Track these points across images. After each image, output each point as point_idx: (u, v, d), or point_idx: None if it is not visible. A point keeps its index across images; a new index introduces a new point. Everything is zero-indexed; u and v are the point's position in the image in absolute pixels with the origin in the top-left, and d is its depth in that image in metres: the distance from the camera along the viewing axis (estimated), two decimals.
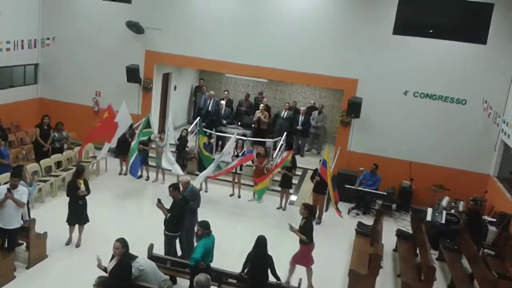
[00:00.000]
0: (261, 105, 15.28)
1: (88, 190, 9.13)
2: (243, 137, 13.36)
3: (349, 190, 12.21)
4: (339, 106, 14.35)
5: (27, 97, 15.00)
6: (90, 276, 6.06)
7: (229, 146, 12.08)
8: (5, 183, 8.88)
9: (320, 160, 11.31)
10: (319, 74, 13.52)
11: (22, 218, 8.44)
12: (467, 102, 12.61)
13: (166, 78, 15.95)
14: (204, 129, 13.53)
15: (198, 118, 14.48)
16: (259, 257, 7.31)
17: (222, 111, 15.33)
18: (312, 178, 11.59)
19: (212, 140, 13.56)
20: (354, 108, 13.07)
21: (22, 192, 8.06)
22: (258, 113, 14.94)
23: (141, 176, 13.22)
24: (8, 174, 9.55)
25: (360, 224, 10.77)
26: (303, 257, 8.43)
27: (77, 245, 9.21)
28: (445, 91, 12.75)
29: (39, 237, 8.60)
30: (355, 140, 13.54)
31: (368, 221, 11.23)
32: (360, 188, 12.22)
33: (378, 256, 8.66)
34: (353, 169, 13.02)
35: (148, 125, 12.70)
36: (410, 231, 10.81)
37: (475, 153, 12.62)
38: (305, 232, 8.39)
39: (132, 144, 12.30)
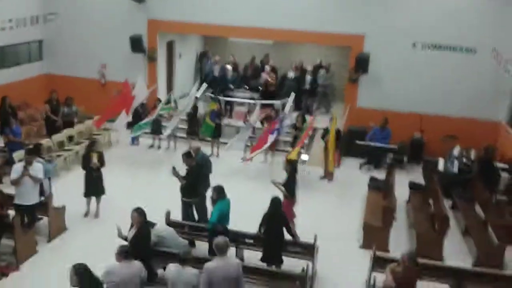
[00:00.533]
0: (267, 67, 15.14)
1: (102, 162, 9.28)
2: (254, 101, 13.29)
3: (360, 146, 12.22)
4: (347, 63, 14.16)
5: (34, 74, 15.01)
6: (111, 245, 6.22)
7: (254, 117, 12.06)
8: (19, 161, 9.07)
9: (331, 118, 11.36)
10: (324, 32, 13.28)
11: (43, 194, 8.66)
12: (477, 51, 12.37)
13: (170, 46, 15.82)
14: (212, 96, 13.53)
15: (205, 84, 14.43)
16: (274, 217, 7.45)
17: (229, 76, 15.24)
18: (323, 137, 11.61)
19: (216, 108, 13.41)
20: (361, 64, 12.92)
21: (37, 168, 8.21)
22: (264, 75, 14.83)
23: (152, 146, 13.37)
24: (22, 152, 9.71)
25: (372, 179, 10.85)
26: (286, 211, 8.56)
27: (96, 216, 9.45)
28: (453, 40, 12.48)
29: (58, 211, 8.82)
30: (364, 96, 13.43)
31: (381, 175, 11.29)
32: (371, 143, 12.22)
33: (391, 209, 8.78)
34: (363, 124, 12.98)
35: (168, 101, 13.03)
36: (423, 183, 10.86)
37: (486, 101, 12.47)
38: (288, 187, 8.53)
39: (145, 120, 12.37)
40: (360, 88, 13.48)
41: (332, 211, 10.18)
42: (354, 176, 11.72)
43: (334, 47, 16.16)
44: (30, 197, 8.11)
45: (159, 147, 13.37)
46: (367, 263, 7.54)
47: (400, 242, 8.76)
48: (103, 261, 5.84)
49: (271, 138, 11.52)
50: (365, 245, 8.60)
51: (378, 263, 7.30)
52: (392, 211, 8.76)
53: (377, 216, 8.93)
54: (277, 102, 14.11)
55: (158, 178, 11.01)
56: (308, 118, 12.30)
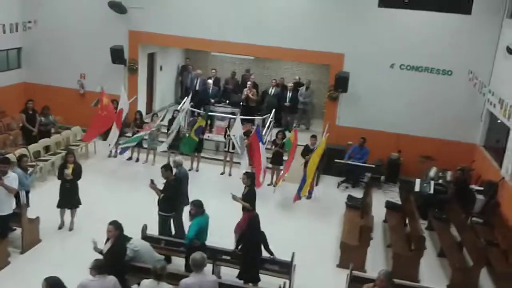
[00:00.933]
0: (249, 83, 15.22)
1: (78, 174, 9.11)
2: (235, 116, 13.28)
3: (339, 164, 12.33)
4: (327, 81, 14.36)
5: (12, 82, 14.75)
6: (85, 259, 6.09)
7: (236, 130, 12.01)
8: None
9: (313, 136, 11.65)
10: (305, 50, 13.45)
11: (19, 205, 8.46)
12: (453, 73, 12.70)
13: (151, 58, 15.78)
14: (201, 112, 13.44)
15: (186, 97, 14.37)
16: (253, 234, 7.41)
17: (210, 90, 15.24)
18: (303, 154, 11.67)
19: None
20: (341, 82, 13.09)
21: (12, 178, 8.02)
22: (246, 91, 14.90)
23: (130, 158, 13.22)
24: None
25: (350, 197, 10.94)
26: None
27: (70, 229, 9.25)
28: (430, 62, 12.81)
29: (32, 222, 8.62)
30: (343, 115, 13.61)
31: (358, 194, 11.40)
32: (349, 162, 12.34)
33: (368, 228, 8.84)
34: (342, 143, 13.13)
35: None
36: (399, 202, 10.99)
37: (462, 123, 12.77)
38: (248, 200, 8.54)
39: (141, 133, 12.36)
40: (340, 107, 13.66)
41: (310, 229, 10.19)
42: (332, 194, 11.78)
43: (315, 65, 16.39)
44: (4, 207, 7.90)
45: (137, 159, 13.22)
46: (343, 282, 7.54)
47: (377, 262, 8.82)
48: (77, 274, 5.69)
49: (262, 148, 11.43)
50: (342, 264, 8.62)
51: (355, 283, 7.30)
52: (369, 230, 8.82)
53: (354, 235, 8.98)
54: (257, 118, 14.16)
55: (135, 191, 10.87)
56: (290, 133, 12.22)
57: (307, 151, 11.60)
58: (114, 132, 12.13)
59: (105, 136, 12.67)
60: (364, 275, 7.72)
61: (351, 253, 8.56)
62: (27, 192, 8.91)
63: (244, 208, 8.55)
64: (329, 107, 13.89)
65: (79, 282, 5.58)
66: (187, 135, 12.51)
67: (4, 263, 7.93)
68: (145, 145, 13.06)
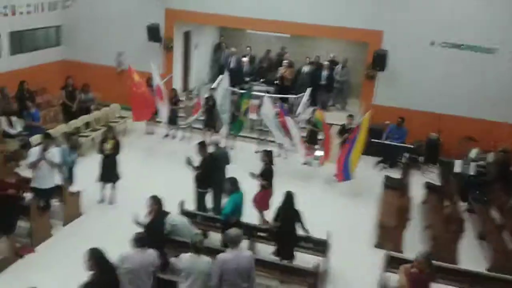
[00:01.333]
0: (285, 61, 15.04)
1: (117, 149, 9.30)
2: (270, 94, 13.17)
3: (376, 144, 12.11)
4: (364, 59, 14.03)
5: (51, 59, 15.08)
6: (125, 232, 6.26)
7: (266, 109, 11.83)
8: (36, 145, 9.13)
9: (350, 115, 11.34)
10: (342, 27, 13.16)
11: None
12: (498, 51, 12.16)
13: (186, 36, 15.79)
14: (243, 92, 13.27)
15: (221, 76, 14.35)
16: (288, 211, 7.43)
17: (244, 68, 15.17)
18: (339, 133, 11.53)
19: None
20: (379, 60, 12.78)
21: (54, 153, 8.28)
22: (281, 70, 14.74)
23: (167, 135, 13.40)
24: (40, 136, 9.78)
25: (387, 177, 10.76)
26: (261, 201, 8.56)
27: (110, 202, 9.51)
28: (473, 40, 12.30)
29: (73, 196, 8.89)
30: (381, 94, 13.31)
31: (395, 174, 11.20)
32: (386, 142, 12.10)
33: (406, 208, 8.70)
34: (379, 123, 12.86)
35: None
36: (439, 184, 10.74)
37: (505, 103, 12.27)
38: (265, 177, 8.51)
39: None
40: (377, 85, 13.36)
41: (346, 208, 10.13)
42: (369, 174, 11.62)
43: (351, 42, 16.02)
44: (47, 181, 8.18)
45: (174, 137, 13.39)
46: (380, 262, 7.48)
47: (414, 243, 8.68)
48: (118, 247, 5.85)
49: (290, 122, 11.35)
50: (379, 244, 8.55)
51: (391, 263, 7.25)
52: (407, 211, 8.68)
53: (391, 215, 8.85)
54: (292, 97, 14.03)
55: (172, 167, 11.02)
56: (319, 113, 11.99)
57: (343, 131, 11.43)
58: (163, 108, 12.20)
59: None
60: (401, 256, 7.63)
61: (388, 234, 8.47)
62: (71, 168, 9.13)
63: (262, 185, 8.54)
64: (366, 86, 13.61)
65: (120, 254, 5.74)
66: (239, 118, 12.39)
67: (47, 235, 8.24)
68: (181, 123, 13.21)
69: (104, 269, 5.16)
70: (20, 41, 13.80)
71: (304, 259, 7.59)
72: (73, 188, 8.96)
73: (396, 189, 10.03)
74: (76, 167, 9.22)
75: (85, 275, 5.23)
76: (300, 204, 7.49)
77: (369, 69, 13.27)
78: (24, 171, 8.83)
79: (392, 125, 12.36)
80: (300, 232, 7.52)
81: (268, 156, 8.69)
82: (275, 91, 14.56)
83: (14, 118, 10.57)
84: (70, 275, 6.10)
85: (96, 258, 5.15)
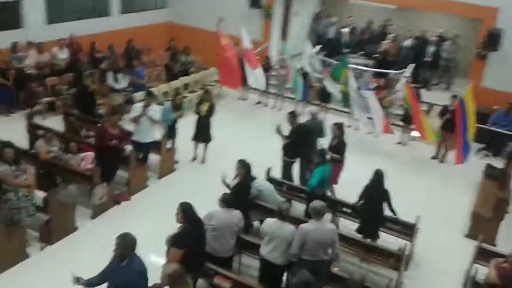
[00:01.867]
0: (391, 35, 14.33)
1: (212, 112, 9.57)
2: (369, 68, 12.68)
3: (480, 130, 11.23)
4: (474, 37, 12.95)
5: (158, 20, 15.74)
6: (213, 190, 6.49)
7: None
8: (139, 101, 9.68)
9: (454, 96, 10.53)
10: (455, 1, 12.20)
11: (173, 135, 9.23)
12: None
13: (286, 4, 15.59)
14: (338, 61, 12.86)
15: (319, 46, 14.06)
16: (376, 190, 7.22)
17: (344, 39, 14.72)
18: (440, 114, 10.86)
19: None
20: (492, 40, 11.75)
21: (154, 110, 8.72)
22: (385, 44, 14.09)
23: (259, 103, 13.54)
24: (143, 93, 10.35)
25: (488, 166, 10.01)
26: (332, 175, 8.19)
27: (202, 161, 9.90)
28: None
29: (169, 151, 9.36)
30: (491, 76, 12.27)
31: (498, 163, 10.36)
32: (492, 128, 11.20)
33: (505, 201, 8.09)
34: (486, 107, 11.89)
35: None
36: None
37: None
38: (338, 151, 8.24)
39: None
40: (488, 67, 12.31)
41: (440, 194, 9.62)
42: (469, 161, 10.89)
43: (460, 18, 14.81)
44: (146, 135, 8.67)
45: (265, 104, 13.50)
46: (470, 253, 7.06)
47: (509, 238, 8.05)
48: (205, 204, 6.08)
49: (372, 97, 10.91)
50: (471, 234, 8.05)
51: (482, 256, 6.83)
52: (506, 203, 8.06)
53: (488, 206, 8.25)
54: (392, 72, 13.41)
55: (262, 134, 11.17)
56: (404, 85, 11.22)
57: (444, 112, 10.73)
58: (253, 73, 12.27)
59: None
60: (494, 249, 7.14)
61: (483, 225, 7.93)
62: (171, 126, 9.51)
63: (333, 159, 8.29)
64: (476, 66, 12.60)
65: (208, 211, 5.98)
66: (341, 89, 11.97)
67: (143, 185, 8.81)
68: (273, 91, 13.24)
69: (192, 223, 5.39)
70: (130, 2, 14.52)
71: (388, 240, 7.39)
72: (170, 145, 9.42)
73: (497, 179, 9.30)
74: (177, 125, 9.61)
75: (174, 227, 5.52)
76: (388, 183, 7.23)
77: (481, 48, 12.24)
78: (127, 125, 9.46)
79: (500, 111, 11.38)
80: (387, 212, 7.30)
81: (339, 129, 8.47)
82: (374, 65, 13.99)
83: (120, 75, 11.25)
84: (161, 224, 6.49)
85: (186, 212, 5.39)
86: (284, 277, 6.10)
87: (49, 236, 7.00)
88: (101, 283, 4.84)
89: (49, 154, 7.83)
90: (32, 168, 7.47)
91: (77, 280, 4.78)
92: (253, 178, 7.30)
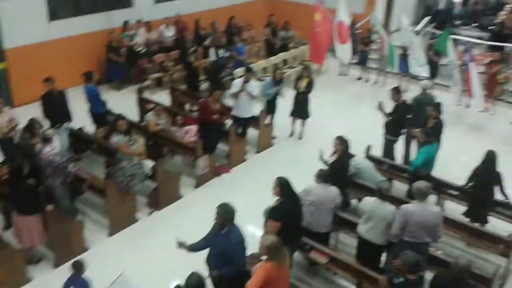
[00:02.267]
0: (508, 5, 13.01)
1: (310, 88, 9.46)
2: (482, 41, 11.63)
3: None
4: None
5: None
6: (309, 167, 6.45)
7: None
8: (239, 77, 9.86)
9: None
10: None
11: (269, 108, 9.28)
12: None
13: None
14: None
15: (427, 17, 13.18)
16: (487, 173, 6.69)
17: (455, 10, 13.65)
18: None
19: None
20: None
21: (253, 86, 8.84)
22: (502, 15, 12.82)
23: (360, 78, 13.13)
24: (242, 69, 10.52)
25: None
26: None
27: (299, 138, 9.90)
28: None
29: (267, 127, 9.48)
30: None
31: None
32: None
33: None
34: None
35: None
36: None
37: None
38: (432, 132, 7.37)
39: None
40: None
41: None
42: None
43: None
44: (245, 110, 8.85)
45: (367, 80, 13.05)
46: None
47: None
48: (302, 179, 6.07)
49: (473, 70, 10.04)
50: None
51: None
52: None
53: None
54: (509, 46, 12.20)
55: (363, 111, 10.86)
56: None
57: None
58: (342, 47, 11.89)
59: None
60: None
61: None
62: (270, 101, 9.57)
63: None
64: None
65: (305, 186, 5.98)
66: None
67: (242, 159, 9.04)
68: (374, 66, 12.74)
69: (289, 197, 5.43)
70: None
71: (497, 225, 6.84)
72: (268, 120, 9.52)
73: None
74: (276, 101, 9.64)
75: (271, 200, 5.61)
76: (501, 167, 6.68)
77: None
78: (227, 100, 9.71)
79: None
80: (498, 196, 6.75)
81: (437, 110, 7.83)
82: (489, 38, 12.82)
83: (221, 51, 11.52)
84: (258, 196, 6.64)
85: (283, 186, 5.42)
86: (383, 257, 5.95)
87: (156, 202, 7.50)
88: (202, 249, 5.08)
89: (157, 127, 8.31)
90: (142, 139, 8.02)
91: (181, 244, 5.08)
92: (351, 156, 7.13)
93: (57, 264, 6.29)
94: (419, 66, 10.93)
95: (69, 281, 5.11)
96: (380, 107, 8.25)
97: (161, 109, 8.56)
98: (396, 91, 8.27)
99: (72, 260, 5.30)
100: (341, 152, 6.79)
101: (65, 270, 6.09)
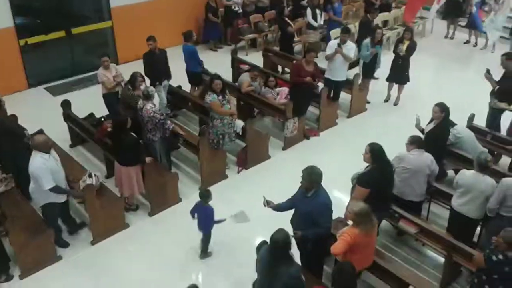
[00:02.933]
0: None
1: (410, 52, 8.92)
2: None
3: None
4: None
5: None
6: (404, 134, 6.16)
7: None
8: (335, 39, 9.56)
9: None
10: None
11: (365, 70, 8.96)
12: None
13: None
14: None
15: None
16: None
17: None
18: None
19: None
20: None
21: (350, 47, 8.52)
22: None
23: (468, 41, 12.13)
24: (338, 30, 10.18)
25: None
26: None
27: (395, 103, 9.48)
28: None
29: (361, 91, 9.15)
30: None
31: None
32: None
33: None
34: None
35: None
36: None
37: None
38: None
39: None
40: None
41: None
42: None
43: None
44: (339, 73, 8.60)
45: (475, 44, 12.02)
46: None
47: None
48: (393, 146, 5.83)
49: None
50: None
51: None
52: None
53: None
54: None
55: (467, 77, 10.06)
56: None
57: None
58: (433, 7, 11.10)
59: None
60: None
61: None
62: (366, 64, 9.20)
63: None
64: None
65: (397, 153, 5.76)
66: None
67: (332, 123, 8.86)
68: (484, 29, 11.66)
69: (380, 164, 5.22)
70: None
71: None
72: (363, 84, 9.18)
73: None
74: (376, 64, 9.26)
75: (360, 166, 5.47)
76: None
77: None
78: (321, 62, 9.50)
79: None
80: None
81: None
82: None
83: (318, 11, 11.18)
84: (346, 162, 6.53)
85: (375, 152, 5.22)
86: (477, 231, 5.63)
87: (245, 161, 7.67)
88: (288, 210, 5.13)
89: (250, 87, 8.39)
90: (234, 99, 8.16)
91: (268, 203, 5.17)
92: (452, 124, 6.68)
93: (151, 213, 6.73)
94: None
95: (196, 207, 5.74)
96: (488, 73, 7.58)
97: (256, 73, 8.58)
98: (508, 57, 7.52)
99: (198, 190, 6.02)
100: (441, 120, 6.37)
101: (160, 219, 6.59)
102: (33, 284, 5.56)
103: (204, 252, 5.94)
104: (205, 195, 5.67)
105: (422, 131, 6.57)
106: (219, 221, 5.80)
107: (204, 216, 5.71)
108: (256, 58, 10.67)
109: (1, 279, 5.63)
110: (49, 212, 5.83)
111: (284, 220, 4.95)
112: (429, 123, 6.58)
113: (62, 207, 5.98)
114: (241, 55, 10.72)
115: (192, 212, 5.77)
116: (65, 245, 6.12)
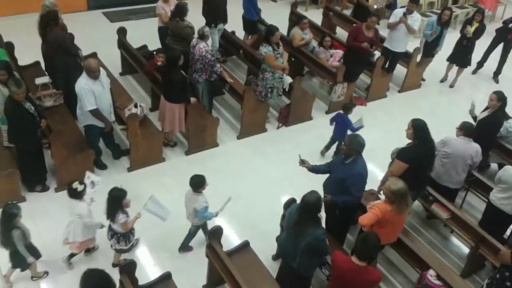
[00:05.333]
0: None
1: (479, 34, 8.46)
2: None
3: None
4: None
5: None
6: (454, 118, 5.94)
7: None
8: (401, 7, 9.11)
9: None
10: None
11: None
12: None
13: None
14: None
15: None
16: None
17: None
18: None
19: None
20: None
21: (416, 19, 8.15)
22: None
23: None
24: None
25: None
26: None
27: (451, 86, 9.14)
28: None
29: (419, 66, 8.79)
30: None
31: None
32: None
33: None
34: None
35: None
36: None
37: None
38: None
39: None
40: None
41: None
42: None
43: None
44: (399, 44, 8.28)
45: None
46: None
47: None
48: (441, 130, 5.69)
49: None
50: None
51: None
52: None
53: None
54: None
55: None
56: None
57: None
58: None
59: None
60: None
61: None
62: (429, 42, 8.69)
63: None
64: None
65: (443, 137, 5.60)
66: None
67: (382, 95, 8.63)
68: None
69: (423, 142, 5.06)
70: None
71: None
72: (421, 60, 8.81)
73: None
74: (439, 42, 8.83)
75: (402, 142, 5.33)
76: None
77: None
78: (382, 30, 9.13)
79: None
80: None
81: None
82: None
83: None
84: (388, 135, 6.42)
85: (419, 129, 5.05)
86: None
87: (286, 118, 7.62)
88: (324, 173, 5.10)
89: (302, 41, 8.19)
90: (286, 54, 8.00)
91: (303, 162, 5.15)
92: (507, 117, 6.39)
93: (188, 152, 6.85)
94: None
95: (336, 116, 6.76)
96: None
97: (306, 23, 8.30)
98: None
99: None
100: (496, 109, 6.10)
101: (195, 159, 6.72)
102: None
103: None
104: (345, 108, 6.63)
105: (475, 118, 6.33)
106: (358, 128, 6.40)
107: (344, 124, 6.58)
108: (315, 15, 10.38)
109: (37, 188, 5.93)
110: (90, 133, 6.03)
111: (314, 183, 4.92)
112: (483, 110, 6.33)
113: (105, 132, 6.15)
114: (300, 10, 10.42)
115: (331, 120, 6.73)
116: (103, 167, 6.36)
